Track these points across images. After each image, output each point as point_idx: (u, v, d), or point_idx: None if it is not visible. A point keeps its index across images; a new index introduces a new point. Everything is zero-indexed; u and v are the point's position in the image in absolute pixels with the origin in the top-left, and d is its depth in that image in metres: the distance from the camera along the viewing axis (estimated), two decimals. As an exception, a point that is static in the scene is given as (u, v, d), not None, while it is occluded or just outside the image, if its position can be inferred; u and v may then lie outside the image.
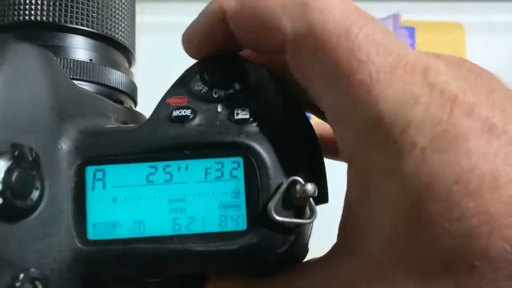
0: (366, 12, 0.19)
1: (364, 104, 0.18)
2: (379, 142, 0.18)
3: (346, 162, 0.20)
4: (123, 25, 0.27)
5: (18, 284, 0.17)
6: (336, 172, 0.26)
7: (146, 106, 0.29)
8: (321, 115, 0.26)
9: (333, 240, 0.21)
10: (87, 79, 0.25)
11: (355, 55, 0.18)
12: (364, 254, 0.19)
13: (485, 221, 0.16)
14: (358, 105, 0.18)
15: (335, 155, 0.28)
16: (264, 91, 0.22)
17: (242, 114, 0.21)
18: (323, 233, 0.27)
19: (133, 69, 0.29)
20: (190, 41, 0.23)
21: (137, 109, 0.29)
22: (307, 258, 0.22)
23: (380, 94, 0.18)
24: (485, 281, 0.17)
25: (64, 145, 0.20)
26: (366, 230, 0.19)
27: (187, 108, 0.21)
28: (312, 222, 0.20)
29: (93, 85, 0.25)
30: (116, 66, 0.27)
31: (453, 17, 0.83)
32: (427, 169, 0.17)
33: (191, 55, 0.23)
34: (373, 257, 0.19)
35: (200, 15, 0.22)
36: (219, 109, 0.21)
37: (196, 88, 0.22)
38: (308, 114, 0.25)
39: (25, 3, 0.24)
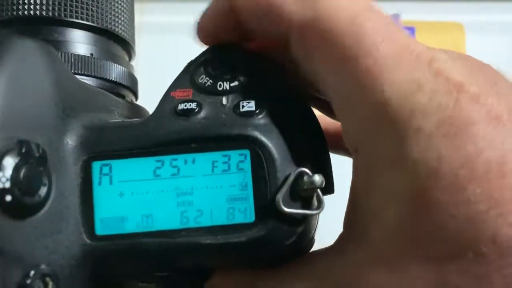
0: (373, 3, 0.20)
1: (370, 90, 0.18)
2: (384, 128, 0.18)
3: (351, 150, 0.20)
4: (122, 18, 0.27)
5: (29, 281, 0.17)
6: (341, 163, 0.26)
7: (148, 104, 0.29)
8: (322, 108, 0.26)
9: (339, 231, 0.21)
10: (89, 73, 0.25)
11: (361, 42, 0.18)
12: (370, 242, 0.19)
13: (492, 207, 0.17)
14: (364, 90, 0.18)
15: (337, 149, 0.28)
16: (269, 83, 0.22)
17: (248, 107, 0.21)
18: (328, 224, 0.27)
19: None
20: (203, 30, 0.23)
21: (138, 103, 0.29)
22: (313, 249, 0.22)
23: (386, 80, 0.18)
24: (493, 266, 0.17)
25: (70, 141, 0.20)
26: (372, 218, 0.19)
27: (192, 101, 0.21)
28: (319, 213, 0.20)
29: (95, 79, 0.25)
30: (116, 59, 0.26)
31: (453, 17, 0.83)
32: (432, 154, 0.17)
33: (207, 42, 0.23)
34: (379, 245, 0.19)
35: (206, 9, 0.23)
36: (224, 101, 0.21)
37: (200, 81, 0.22)
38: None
39: (24, -2, 0.24)
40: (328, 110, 0.26)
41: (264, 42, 0.23)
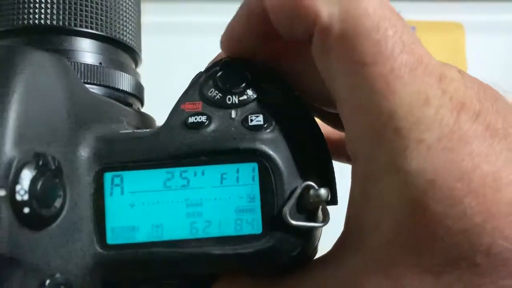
0: (397, 12, 0.20)
1: (381, 97, 0.19)
2: (387, 136, 0.19)
3: (351, 156, 0.21)
4: (130, 26, 0.27)
5: None
6: (341, 173, 0.27)
7: (146, 105, 0.29)
8: (326, 119, 0.27)
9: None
10: (97, 82, 0.25)
11: (381, 49, 0.19)
12: (367, 250, 0.19)
13: (487, 220, 0.17)
14: (375, 97, 0.19)
15: (339, 156, 0.28)
16: (277, 97, 0.23)
17: (256, 120, 0.22)
18: (329, 233, 0.27)
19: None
20: (231, 37, 0.23)
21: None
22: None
23: (397, 89, 0.19)
24: (488, 278, 0.17)
25: (83, 152, 0.21)
26: (369, 226, 0.20)
27: (202, 114, 0.22)
28: (325, 225, 0.21)
29: (103, 88, 0.25)
30: (124, 68, 0.27)
31: (453, 17, 0.83)
32: (431, 165, 0.18)
33: (232, 51, 0.24)
34: (376, 253, 0.19)
35: (239, 9, 0.23)
36: (233, 115, 0.22)
37: (209, 94, 0.22)
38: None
39: (34, 7, 0.24)
40: (331, 122, 0.27)
41: (285, 45, 0.24)
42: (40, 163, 0.18)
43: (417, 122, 0.18)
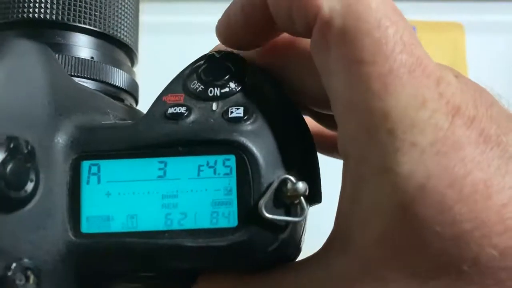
0: (400, 11, 0.20)
1: (377, 96, 0.18)
2: (380, 137, 0.18)
3: (342, 156, 0.20)
4: (126, 24, 0.28)
5: (10, 273, 0.18)
6: (333, 173, 0.26)
7: (145, 105, 0.29)
8: (320, 120, 0.27)
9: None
10: (88, 76, 0.25)
11: (381, 48, 0.18)
12: (355, 252, 0.19)
13: (477, 227, 0.17)
14: (371, 95, 0.18)
15: (332, 152, 0.28)
16: (260, 90, 0.22)
17: (236, 113, 0.21)
18: (318, 235, 0.27)
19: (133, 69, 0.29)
20: (228, 28, 0.23)
21: (138, 107, 0.29)
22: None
23: (394, 90, 0.18)
24: (475, 286, 0.17)
25: (61, 140, 0.21)
26: (358, 228, 0.19)
27: (182, 105, 0.22)
28: (302, 220, 0.20)
29: (94, 82, 0.26)
30: (117, 64, 0.27)
31: (453, 17, 0.83)
32: (423, 169, 0.17)
33: (228, 43, 0.24)
34: (363, 256, 0.19)
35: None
36: (214, 107, 0.22)
37: (192, 86, 0.22)
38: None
39: (29, 1, 0.25)
40: (325, 123, 0.27)
41: (282, 43, 0.23)
42: (12, 146, 0.18)
43: (411, 124, 0.18)
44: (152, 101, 0.23)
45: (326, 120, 0.26)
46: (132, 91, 0.28)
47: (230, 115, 0.21)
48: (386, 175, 0.18)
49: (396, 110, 0.18)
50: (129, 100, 0.28)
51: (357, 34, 0.19)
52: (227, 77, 0.22)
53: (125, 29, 0.28)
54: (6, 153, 0.18)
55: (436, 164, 0.17)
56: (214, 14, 0.25)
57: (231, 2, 0.23)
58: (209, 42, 0.28)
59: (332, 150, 0.27)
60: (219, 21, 0.23)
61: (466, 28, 0.83)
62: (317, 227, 0.27)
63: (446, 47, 0.82)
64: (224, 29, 0.23)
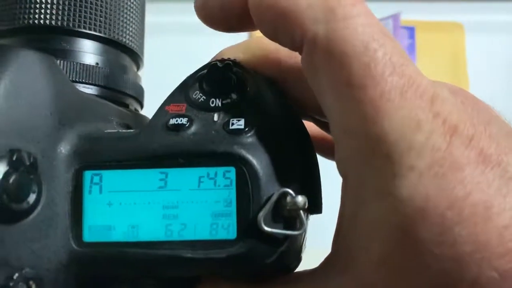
0: (388, 32, 0.19)
1: (371, 122, 0.18)
2: (377, 161, 0.18)
3: (341, 175, 0.20)
4: (131, 29, 0.28)
5: (11, 283, 0.18)
6: (335, 182, 0.26)
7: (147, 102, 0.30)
8: (319, 123, 0.26)
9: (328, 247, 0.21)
10: (93, 82, 0.25)
11: (370, 71, 0.18)
12: (353, 272, 0.19)
13: (477, 250, 0.17)
14: (364, 121, 0.18)
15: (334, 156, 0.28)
16: (261, 102, 0.22)
17: (237, 124, 0.21)
18: (317, 241, 0.27)
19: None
20: (205, 9, 0.23)
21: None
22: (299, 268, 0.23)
23: (387, 113, 0.18)
24: None
25: (63, 150, 0.21)
26: (357, 248, 0.19)
27: (184, 116, 0.22)
28: (301, 234, 0.21)
29: (98, 88, 0.26)
30: (122, 69, 0.27)
31: (453, 17, 0.83)
32: (422, 193, 0.17)
33: (204, 22, 0.23)
34: (361, 277, 0.19)
35: None
36: (215, 118, 0.22)
37: (194, 96, 0.22)
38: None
39: (34, 7, 0.25)
40: (324, 127, 0.27)
41: (282, 52, 0.23)
42: (14, 158, 0.19)
43: (408, 148, 0.18)
44: (152, 101, 0.23)
45: (328, 126, 0.26)
46: (137, 95, 0.28)
47: (231, 127, 0.21)
48: (385, 199, 0.18)
49: (391, 134, 0.18)
50: (134, 105, 0.28)
51: (344, 59, 0.18)
52: (229, 87, 0.22)
53: (131, 34, 0.28)
54: (9, 166, 0.18)
55: (435, 187, 0.17)
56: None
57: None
58: (211, 43, 0.28)
59: (333, 154, 0.27)
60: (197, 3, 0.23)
61: (466, 28, 0.82)
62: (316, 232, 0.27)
63: (446, 47, 0.82)
64: (203, 10, 0.23)
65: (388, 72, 0.18)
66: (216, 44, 0.25)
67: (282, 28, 0.20)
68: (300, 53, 0.20)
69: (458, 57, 0.81)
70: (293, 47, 0.20)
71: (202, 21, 0.23)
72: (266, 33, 0.21)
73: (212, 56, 0.25)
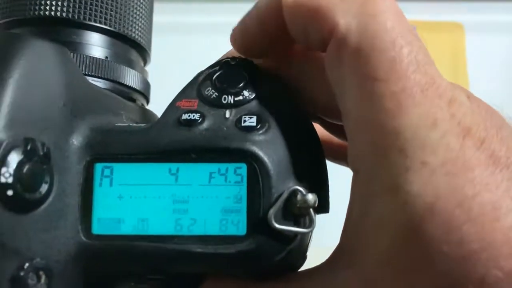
0: (415, 31, 0.20)
1: (390, 116, 0.18)
2: (391, 155, 0.18)
3: (352, 170, 0.21)
4: (140, 24, 0.28)
5: (22, 273, 0.18)
6: (341, 180, 0.26)
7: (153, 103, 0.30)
8: (330, 129, 0.27)
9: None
10: (102, 75, 0.25)
11: (395, 67, 0.19)
12: (360, 267, 0.19)
13: (484, 249, 0.17)
14: (383, 115, 0.19)
15: (340, 160, 0.28)
16: (273, 99, 0.22)
17: (249, 121, 0.21)
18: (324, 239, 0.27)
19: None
20: (243, 36, 0.23)
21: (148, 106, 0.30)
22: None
23: (407, 109, 0.18)
24: None
25: (76, 141, 0.21)
26: (365, 244, 0.19)
27: (196, 112, 0.22)
28: (310, 232, 0.21)
29: (107, 82, 0.26)
30: (131, 64, 0.27)
31: (453, 17, 0.83)
32: (432, 189, 0.18)
33: (242, 51, 0.24)
34: (368, 272, 0.19)
35: (254, 7, 0.23)
36: (227, 115, 0.22)
37: (206, 92, 0.22)
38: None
39: (46, -1, 0.25)
40: (335, 132, 0.27)
41: (297, 52, 0.24)
42: (29, 148, 0.19)
43: (423, 144, 0.18)
44: (158, 100, 0.23)
45: (335, 129, 0.26)
46: (144, 91, 0.28)
47: (243, 124, 0.21)
48: (396, 193, 0.18)
49: (408, 129, 0.18)
50: (141, 100, 0.28)
51: (372, 52, 0.19)
52: (241, 85, 0.22)
53: (140, 29, 0.28)
54: (23, 155, 0.18)
55: (446, 185, 0.18)
56: (222, 14, 0.25)
57: (247, 10, 0.23)
58: (217, 42, 0.28)
59: (340, 158, 0.28)
60: (235, 29, 0.24)
61: (466, 28, 0.83)
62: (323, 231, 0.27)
63: (446, 47, 0.82)
64: (240, 37, 0.23)
65: (412, 69, 0.19)
66: (217, 44, 0.25)
67: (313, 25, 0.20)
68: (324, 51, 0.21)
69: (458, 57, 0.82)
70: (321, 44, 0.21)
71: (241, 51, 0.24)
72: (297, 35, 0.22)
73: (216, 56, 0.26)
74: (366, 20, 0.19)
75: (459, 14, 0.83)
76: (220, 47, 0.26)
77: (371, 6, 0.19)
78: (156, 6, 0.30)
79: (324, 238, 0.29)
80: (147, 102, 0.29)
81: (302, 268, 0.23)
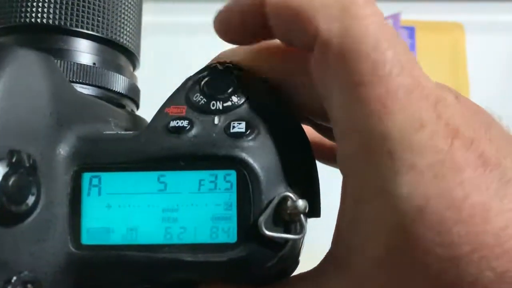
0: (397, 33, 0.20)
1: (376, 119, 0.18)
2: (379, 158, 0.18)
3: (342, 174, 0.21)
4: (128, 29, 0.27)
5: (10, 287, 0.18)
6: (333, 184, 0.26)
7: (143, 102, 0.29)
8: (321, 131, 0.27)
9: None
10: (90, 82, 0.25)
11: (379, 69, 0.19)
12: (352, 271, 0.19)
13: (475, 250, 0.17)
14: (370, 118, 0.19)
15: (331, 162, 0.28)
16: (262, 105, 0.22)
17: (238, 128, 0.21)
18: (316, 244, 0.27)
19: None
20: (225, 23, 0.23)
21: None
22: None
23: (393, 112, 0.18)
24: None
25: (62, 151, 0.21)
26: (356, 248, 0.19)
27: (184, 119, 0.22)
28: (301, 238, 0.21)
29: (96, 88, 0.25)
30: (119, 70, 0.27)
31: (453, 17, 0.83)
32: (421, 191, 0.18)
33: (224, 37, 0.23)
34: (360, 276, 0.19)
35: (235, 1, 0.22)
36: (216, 121, 0.22)
37: (194, 99, 0.22)
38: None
39: (31, 6, 0.25)
40: (326, 134, 0.27)
41: (285, 55, 0.23)
42: (14, 160, 0.18)
43: (410, 146, 0.18)
44: (149, 102, 0.22)
45: (326, 130, 0.26)
46: (134, 96, 0.28)
47: (232, 130, 0.21)
48: (386, 196, 0.18)
49: (395, 132, 0.18)
50: (130, 106, 0.28)
51: (355, 57, 0.19)
52: (229, 90, 0.22)
53: (128, 34, 0.27)
54: (8, 168, 0.18)
55: (435, 186, 0.18)
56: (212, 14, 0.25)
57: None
58: (207, 43, 0.28)
59: (331, 159, 0.27)
60: (217, 17, 0.23)
61: (466, 28, 0.83)
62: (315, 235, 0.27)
63: (446, 47, 0.82)
64: (223, 26, 0.23)
65: (396, 72, 0.18)
66: (212, 45, 0.25)
67: (297, 27, 0.20)
68: (310, 53, 0.20)
69: (458, 57, 0.81)
70: (306, 47, 0.21)
71: (222, 38, 0.23)
72: (280, 35, 0.22)
73: (208, 57, 0.25)
74: (349, 24, 0.19)
75: (459, 14, 0.83)
76: (212, 49, 0.26)
77: (353, 10, 0.19)
78: (144, 6, 0.30)
79: (316, 240, 0.29)
80: (137, 107, 0.29)
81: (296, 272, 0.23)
